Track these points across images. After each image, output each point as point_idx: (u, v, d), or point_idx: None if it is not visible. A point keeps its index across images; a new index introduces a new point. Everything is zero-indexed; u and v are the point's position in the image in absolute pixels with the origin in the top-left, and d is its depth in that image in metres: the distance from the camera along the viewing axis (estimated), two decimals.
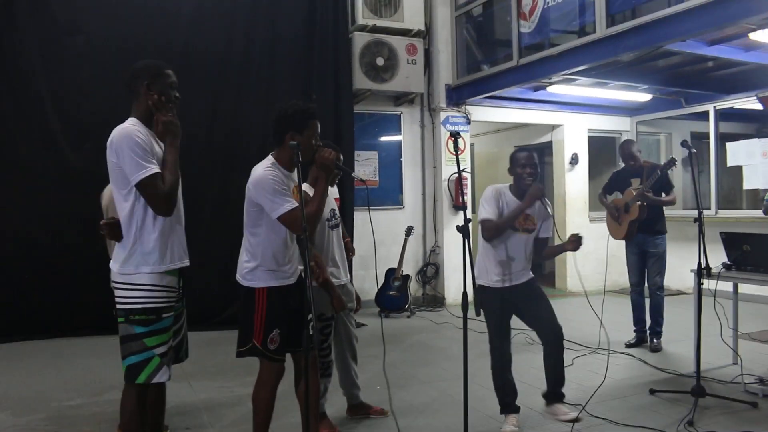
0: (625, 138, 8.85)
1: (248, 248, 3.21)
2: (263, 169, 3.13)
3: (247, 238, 3.22)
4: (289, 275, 3.23)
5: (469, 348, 3.26)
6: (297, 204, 3.04)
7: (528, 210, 4.09)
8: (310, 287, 2.74)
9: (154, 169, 2.80)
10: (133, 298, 2.85)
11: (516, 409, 4.15)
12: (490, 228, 4.05)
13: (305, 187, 3.40)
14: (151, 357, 2.85)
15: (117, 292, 2.89)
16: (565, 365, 4.31)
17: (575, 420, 4.10)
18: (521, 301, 4.17)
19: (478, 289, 3.92)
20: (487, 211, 4.07)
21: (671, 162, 5.72)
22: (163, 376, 2.90)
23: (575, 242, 4.01)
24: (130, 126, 2.86)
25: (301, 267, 3.40)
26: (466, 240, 3.23)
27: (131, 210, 2.86)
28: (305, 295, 2.75)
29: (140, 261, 2.86)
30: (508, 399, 4.15)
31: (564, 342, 4.23)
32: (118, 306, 2.88)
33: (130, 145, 2.77)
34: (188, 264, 3.08)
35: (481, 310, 3.87)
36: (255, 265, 3.16)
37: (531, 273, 4.23)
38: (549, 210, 4.14)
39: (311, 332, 3.08)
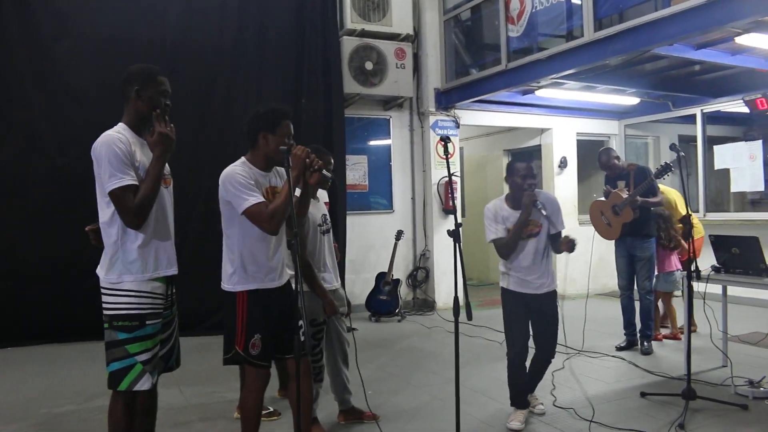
0: (607, 146, 8.92)
1: (226, 251, 3.19)
2: (232, 166, 3.14)
3: (225, 241, 3.20)
4: (269, 278, 3.17)
5: (460, 352, 3.26)
6: (263, 200, 3.03)
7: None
8: (301, 293, 2.73)
9: (128, 180, 2.76)
10: (116, 304, 2.83)
11: (525, 405, 4.29)
12: (502, 246, 4.16)
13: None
14: (134, 364, 2.82)
15: (102, 298, 2.87)
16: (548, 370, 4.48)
17: (542, 413, 4.38)
18: (537, 311, 4.21)
19: (502, 291, 4.31)
20: (493, 231, 4.19)
21: (666, 168, 5.59)
22: (146, 383, 2.85)
23: (568, 244, 4.03)
24: (113, 133, 2.83)
25: (290, 272, 3.39)
26: (457, 244, 3.22)
27: (111, 217, 2.84)
28: (296, 301, 2.72)
29: (123, 269, 2.84)
30: (520, 395, 4.27)
31: (551, 361, 4.39)
32: (103, 312, 2.86)
33: (108, 154, 2.75)
34: (175, 272, 3.04)
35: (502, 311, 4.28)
36: (234, 268, 3.13)
37: (555, 285, 4.28)
38: (544, 212, 4.09)
39: (302, 338, 3.07)
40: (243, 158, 3.22)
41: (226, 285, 3.16)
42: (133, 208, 2.77)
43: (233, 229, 3.13)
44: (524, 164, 4.17)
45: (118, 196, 2.75)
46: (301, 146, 3.13)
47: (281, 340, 3.13)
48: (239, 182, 3.02)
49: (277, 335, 3.14)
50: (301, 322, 2.93)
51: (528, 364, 4.30)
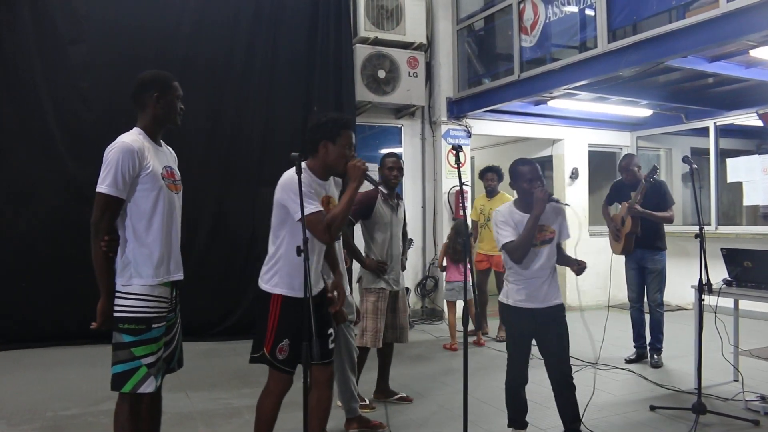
0: (626, 153, 8.89)
1: (271, 253, 3.21)
2: (293, 171, 3.09)
3: (271, 241, 3.21)
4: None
5: (469, 362, 3.24)
6: (321, 209, 3.05)
7: (541, 220, 3.78)
8: (309, 299, 2.72)
9: (106, 189, 2.77)
10: (124, 306, 2.86)
11: (524, 425, 4.03)
12: (515, 248, 3.74)
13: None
14: (138, 367, 2.84)
15: (114, 300, 2.89)
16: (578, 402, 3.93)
17: None
18: (542, 327, 3.84)
19: (502, 307, 3.98)
20: (505, 235, 3.79)
21: (653, 171, 5.74)
22: (149, 386, 2.87)
23: (579, 268, 3.76)
24: (125, 141, 2.83)
25: (328, 280, 3.46)
26: (467, 253, 3.21)
27: (122, 221, 2.89)
28: (306, 309, 2.71)
29: (133, 273, 2.87)
30: (517, 415, 4.01)
31: (572, 381, 3.83)
32: (114, 314, 2.88)
33: (114, 158, 2.78)
34: (182, 278, 3.08)
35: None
36: (274, 271, 3.15)
37: (560, 298, 3.91)
38: (562, 203, 3.86)
39: (331, 346, 3.19)
40: (304, 164, 3.18)
41: (264, 285, 3.18)
42: (93, 220, 2.81)
43: (283, 232, 3.15)
44: (528, 167, 3.83)
45: (96, 199, 2.81)
46: (360, 159, 3.17)
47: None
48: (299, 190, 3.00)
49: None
50: (330, 330, 2.91)
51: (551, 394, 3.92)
